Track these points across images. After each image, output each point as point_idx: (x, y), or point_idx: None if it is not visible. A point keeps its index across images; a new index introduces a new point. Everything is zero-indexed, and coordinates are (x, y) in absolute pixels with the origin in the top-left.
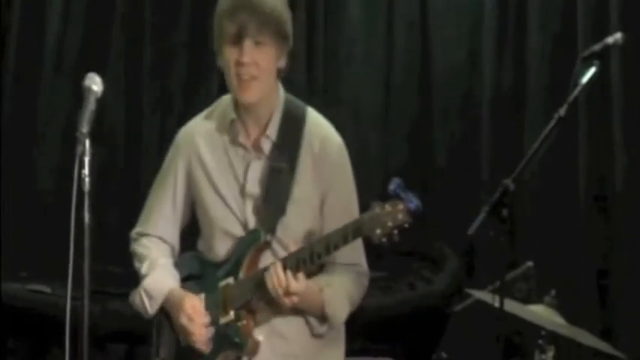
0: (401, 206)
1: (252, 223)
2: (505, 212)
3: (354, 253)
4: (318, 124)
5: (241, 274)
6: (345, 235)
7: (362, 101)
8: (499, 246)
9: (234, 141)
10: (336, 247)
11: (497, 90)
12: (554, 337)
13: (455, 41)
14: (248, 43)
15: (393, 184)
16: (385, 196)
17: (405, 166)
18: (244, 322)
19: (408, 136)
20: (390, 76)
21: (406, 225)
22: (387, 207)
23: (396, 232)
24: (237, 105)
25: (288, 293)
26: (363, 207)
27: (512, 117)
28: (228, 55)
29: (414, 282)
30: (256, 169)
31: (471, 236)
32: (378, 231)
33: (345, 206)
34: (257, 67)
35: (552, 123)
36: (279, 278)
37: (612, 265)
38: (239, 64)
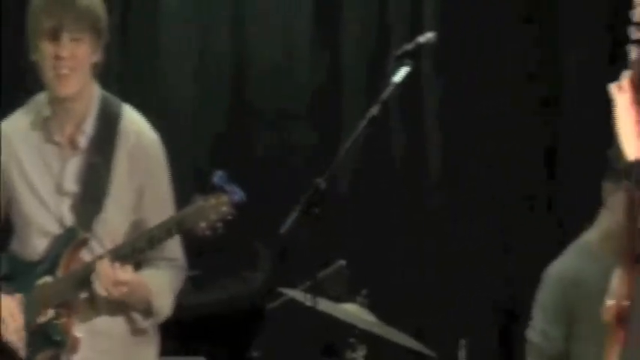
0: (225, 199)
1: (69, 220)
2: (317, 211)
3: (174, 247)
4: (133, 120)
5: (59, 272)
6: (168, 229)
7: (173, 96)
8: (311, 245)
9: (49, 139)
10: (160, 241)
11: (313, 89)
12: (365, 336)
13: (271, 39)
14: (66, 39)
15: (217, 177)
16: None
17: (218, 164)
18: (64, 319)
19: (220, 134)
20: (204, 73)
21: (230, 217)
22: (211, 200)
23: (220, 224)
24: (51, 101)
25: (117, 283)
26: (186, 200)
27: (328, 116)
28: (45, 50)
29: (229, 280)
30: (73, 166)
31: (284, 235)
32: (202, 224)
33: (163, 201)
34: (75, 60)
35: (364, 122)
36: (106, 270)
37: (425, 264)
38: (57, 58)
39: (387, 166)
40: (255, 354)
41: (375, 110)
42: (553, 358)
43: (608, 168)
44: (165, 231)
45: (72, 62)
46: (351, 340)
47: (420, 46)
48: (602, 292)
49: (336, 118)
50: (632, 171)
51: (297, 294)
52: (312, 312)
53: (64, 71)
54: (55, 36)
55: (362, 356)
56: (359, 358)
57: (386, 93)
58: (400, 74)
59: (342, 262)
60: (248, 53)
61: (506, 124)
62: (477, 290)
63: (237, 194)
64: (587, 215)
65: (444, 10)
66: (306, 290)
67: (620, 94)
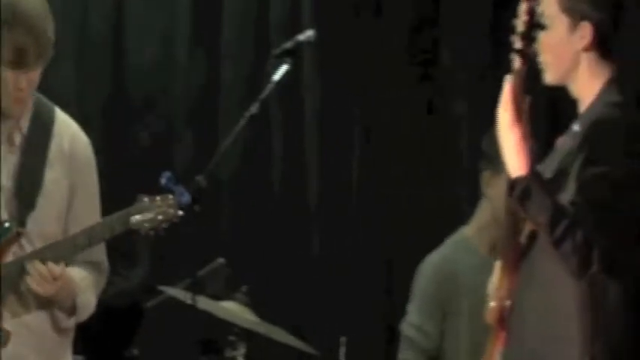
0: (172, 200)
1: (3, 215)
2: (197, 208)
3: (100, 250)
4: (66, 122)
5: None
6: (112, 227)
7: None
8: (191, 242)
9: None
10: (101, 240)
11: (192, 88)
12: (246, 334)
13: (149, 36)
14: (27, 73)
15: (164, 178)
16: None
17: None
18: None
19: (102, 130)
20: (83, 71)
21: (175, 219)
22: (158, 200)
23: (164, 225)
24: None
25: (51, 280)
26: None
27: (207, 115)
28: (6, 77)
29: (110, 278)
30: (9, 163)
31: (163, 232)
32: (147, 224)
33: (93, 203)
34: (32, 86)
35: (244, 121)
36: (40, 266)
37: (306, 262)
38: (18, 89)
39: (267, 165)
40: (135, 352)
41: (254, 109)
42: (428, 353)
43: (483, 157)
44: (108, 229)
45: (30, 89)
46: (231, 338)
47: (300, 44)
48: (475, 286)
49: (214, 117)
50: (515, 187)
51: (176, 292)
52: (192, 310)
53: (23, 97)
54: (16, 67)
55: (242, 354)
56: (239, 356)
57: (265, 91)
58: (279, 73)
59: (222, 260)
60: (128, 49)
61: (388, 123)
62: (357, 288)
63: (185, 196)
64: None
65: (323, 8)
66: (186, 288)
67: (503, 110)
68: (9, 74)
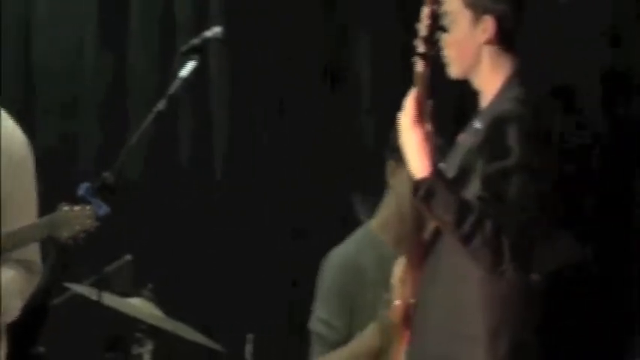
0: (89, 211)
1: None
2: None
3: (33, 250)
4: (7, 123)
5: None
6: (34, 232)
7: None
8: (97, 239)
9: None
10: (25, 243)
11: (100, 85)
12: (153, 330)
13: (57, 37)
14: None
15: (82, 189)
16: None
17: None
18: None
19: None
20: None
21: (92, 229)
22: (76, 210)
23: (82, 235)
24: None
25: None
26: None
27: (115, 112)
28: None
29: None
30: None
31: None
32: (65, 233)
33: (28, 203)
34: None
35: (151, 117)
36: None
37: (213, 259)
38: None
39: (174, 162)
40: (40, 349)
41: (161, 105)
42: (335, 347)
43: (388, 146)
44: (31, 234)
45: None
46: (138, 334)
47: (207, 41)
48: (378, 281)
49: (122, 113)
50: (419, 188)
51: (82, 289)
52: (98, 306)
53: None
54: None
55: (148, 351)
56: (145, 352)
57: (173, 88)
58: (187, 69)
59: (128, 257)
60: (36, 49)
61: (294, 116)
62: (264, 285)
63: (102, 208)
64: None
65: (230, 4)
66: (92, 285)
67: (404, 112)
68: None
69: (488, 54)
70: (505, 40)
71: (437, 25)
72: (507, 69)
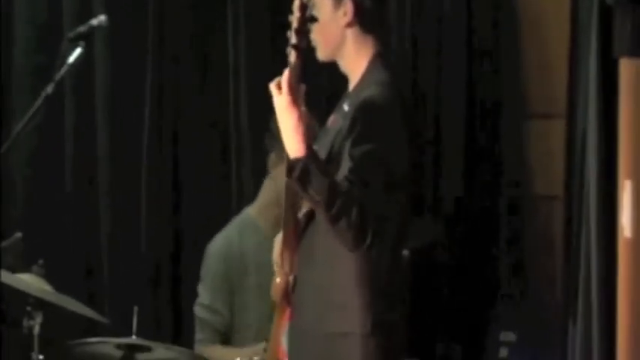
0: None
1: None
2: None
3: None
4: None
5: None
6: None
7: None
8: None
9: None
10: None
11: None
12: (41, 304)
13: None
14: None
15: None
16: None
17: None
18: None
19: None
20: None
21: None
22: None
23: None
24: None
25: None
26: None
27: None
28: None
29: None
30: None
31: None
32: None
33: None
34: None
35: (40, 101)
36: None
37: (97, 235)
38: None
39: (59, 143)
40: None
41: (49, 89)
42: (220, 330)
43: (268, 141)
44: None
45: None
46: (28, 308)
47: (93, 28)
48: (261, 264)
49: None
50: (294, 168)
51: None
52: None
53: None
54: None
55: (38, 323)
56: (36, 324)
57: (60, 73)
58: (74, 55)
59: (19, 235)
60: None
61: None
62: (150, 260)
63: None
64: None
65: None
66: None
67: (278, 95)
68: None
69: (351, 37)
70: (366, 22)
71: (307, 17)
72: (370, 50)
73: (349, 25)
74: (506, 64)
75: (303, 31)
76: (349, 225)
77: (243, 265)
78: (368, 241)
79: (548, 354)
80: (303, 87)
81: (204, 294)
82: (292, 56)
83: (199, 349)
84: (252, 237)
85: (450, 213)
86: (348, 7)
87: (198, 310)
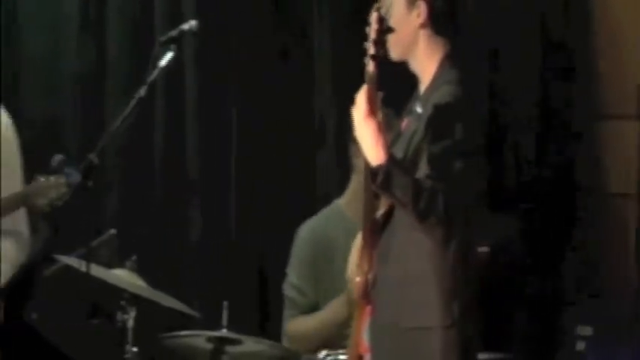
0: (63, 180)
1: None
2: (90, 184)
3: (20, 221)
4: None
5: None
6: (14, 202)
7: None
8: (84, 215)
9: None
10: (5, 213)
11: (81, 71)
12: (135, 299)
13: (41, 27)
14: None
15: (56, 161)
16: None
17: None
18: None
19: None
20: None
21: (67, 196)
22: (52, 180)
23: (58, 202)
24: None
25: None
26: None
27: (95, 96)
28: None
29: None
30: None
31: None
32: (42, 201)
33: (14, 180)
34: None
35: (134, 102)
36: None
37: (190, 232)
38: None
39: (150, 144)
40: (33, 316)
41: (142, 91)
42: (306, 311)
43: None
44: (11, 203)
45: None
46: (122, 303)
47: (183, 33)
48: (345, 251)
49: (101, 98)
50: (377, 175)
51: (71, 260)
52: (86, 277)
53: None
54: None
55: (132, 318)
56: (130, 318)
57: (152, 76)
58: (165, 59)
59: (113, 231)
60: (19, 40)
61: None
62: (238, 256)
63: (73, 176)
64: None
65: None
66: (80, 257)
67: (357, 107)
68: None
69: (423, 37)
70: (437, 23)
71: (384, 28)
72: (441, 51)
73: (422, 26)
74: (579, 64)
75: (381, 42)
76: (438, 220)
77: (330, 251)
78: (456, 236)
79: (624, 348)
80: (380, 94)
81: (293, 275)
82: (370, 66)
83: (286, 325)
84: (339, 226)
85: (527, 211)
86: (422, 9)
87: (286, 289)
